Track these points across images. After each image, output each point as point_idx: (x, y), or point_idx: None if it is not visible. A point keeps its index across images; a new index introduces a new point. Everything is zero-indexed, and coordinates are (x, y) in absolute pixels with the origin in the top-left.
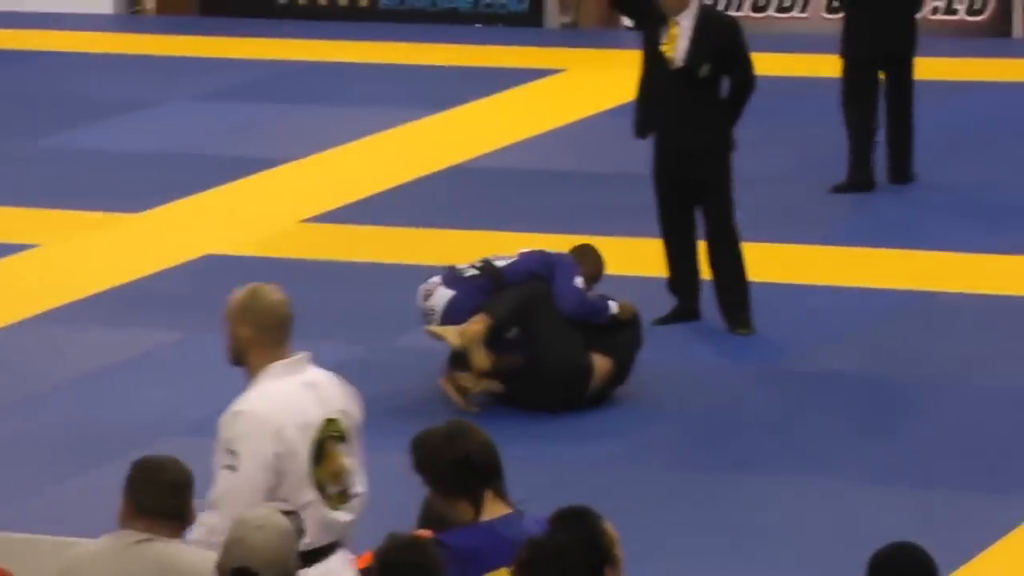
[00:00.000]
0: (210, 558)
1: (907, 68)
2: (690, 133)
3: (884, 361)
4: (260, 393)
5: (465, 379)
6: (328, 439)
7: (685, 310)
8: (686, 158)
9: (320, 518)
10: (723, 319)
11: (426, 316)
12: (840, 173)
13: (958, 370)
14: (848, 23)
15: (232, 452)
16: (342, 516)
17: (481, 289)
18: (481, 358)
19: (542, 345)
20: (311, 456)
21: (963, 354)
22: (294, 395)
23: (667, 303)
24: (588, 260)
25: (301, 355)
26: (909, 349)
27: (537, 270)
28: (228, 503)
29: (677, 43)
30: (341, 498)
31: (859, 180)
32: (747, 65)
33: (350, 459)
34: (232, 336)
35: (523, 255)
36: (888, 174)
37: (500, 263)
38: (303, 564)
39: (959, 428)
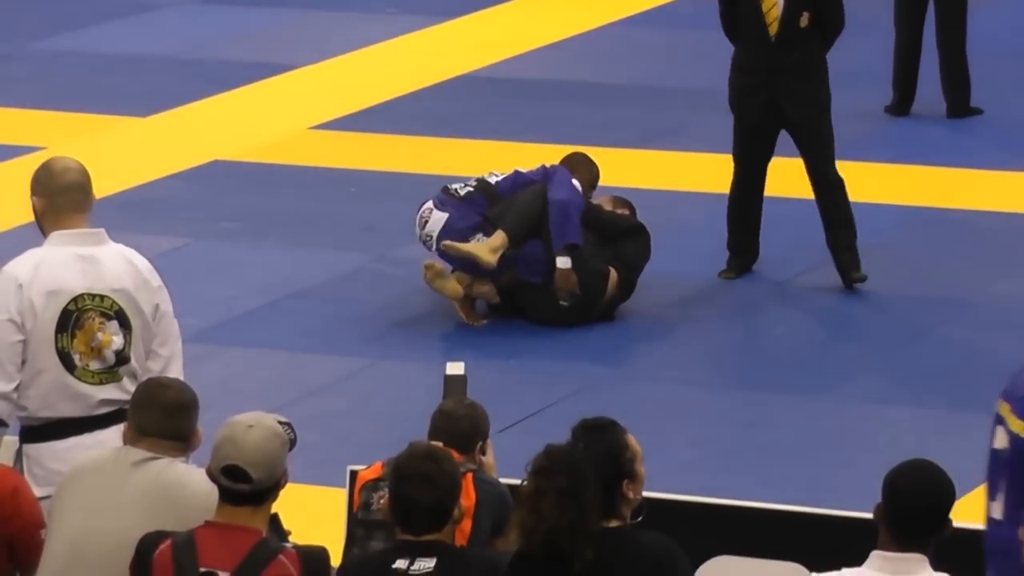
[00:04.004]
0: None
1: None
2: (790, 81)
3: (893, 278)
4: (26, 256)
5: (464, 280)
6: (87, 312)
7: (748, 261)
8: (784, 105)
9: (58, 387)
10: (836, 268)
11: (425, 243)
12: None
13: (967, 288)
14: None
15: None
16: (101, 393)
17: (475, 206)
18: (486, 289)
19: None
20: (56, 322)
21: (972, 271)
22: (57, 262)
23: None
24: (582, 167)
25: (95, 230)
26: (918, 266)
27: (534, 179)
28: None
29: None
30: (106, 376)
31: (892, 104)
32: (837, 8)
33: (118, 337)
34: (33, 208)
35: (518, 172)
36: (947, 107)
37: (494, 179)
38: (37, 437)
39: (968, 347)
